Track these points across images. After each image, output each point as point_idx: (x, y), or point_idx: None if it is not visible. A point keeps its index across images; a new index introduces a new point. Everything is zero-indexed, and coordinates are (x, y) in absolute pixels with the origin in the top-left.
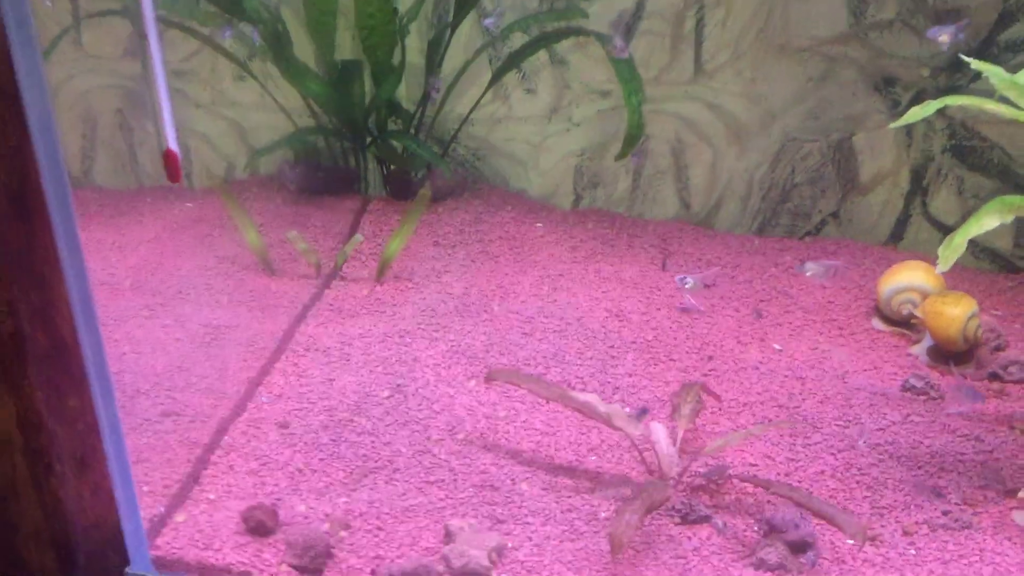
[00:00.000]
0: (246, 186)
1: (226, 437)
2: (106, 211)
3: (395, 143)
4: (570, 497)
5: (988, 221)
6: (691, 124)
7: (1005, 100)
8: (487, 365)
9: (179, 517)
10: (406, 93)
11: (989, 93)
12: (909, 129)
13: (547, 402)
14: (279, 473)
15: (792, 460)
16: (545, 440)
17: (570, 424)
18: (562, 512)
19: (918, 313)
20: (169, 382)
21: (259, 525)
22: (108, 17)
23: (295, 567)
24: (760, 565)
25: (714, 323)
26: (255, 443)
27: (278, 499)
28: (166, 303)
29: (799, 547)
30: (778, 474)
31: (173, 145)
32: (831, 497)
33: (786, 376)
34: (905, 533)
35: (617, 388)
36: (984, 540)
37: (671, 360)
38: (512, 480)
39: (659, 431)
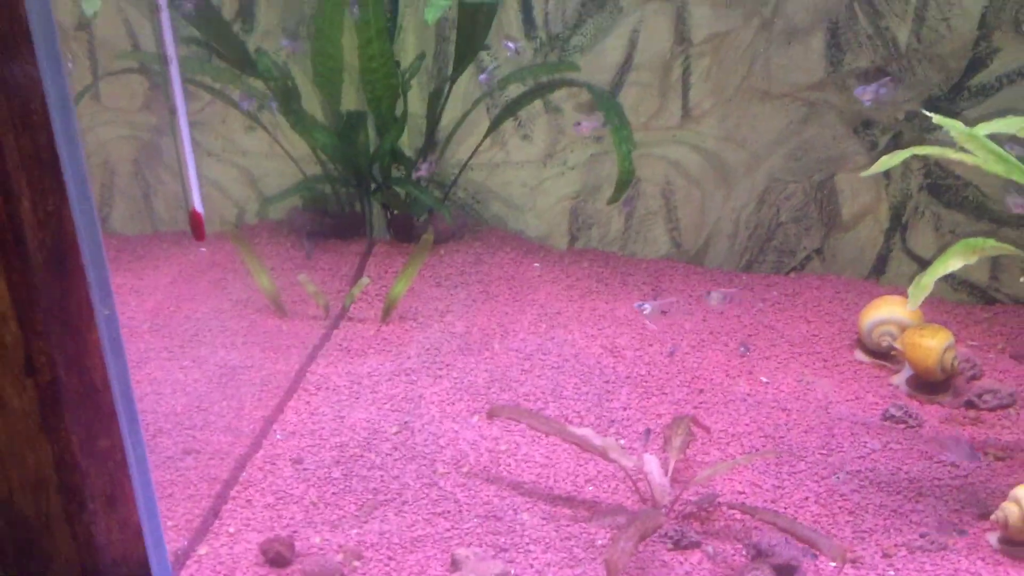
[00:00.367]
0: (257, 231)
1: (244, 473)
2: (124, 257)
3: (398, 190)
4: (569, 526)
5: (953, 262)
6: (680, 167)
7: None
8: (489, 401)
9: (201, 550)
10: (408, 141)
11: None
12: (887, 169)
13: (546, 436)
14: (294, 507)
15: (778, 487)
16: (545, 472)
17: (568, 456)
18: (561, 540)
19: (897, 345)
20: (189, 421)
21: (277, 556)
22: (126, 73)
23: None
24: None
25: (704, 357)
26: (271, 478)
27: (294, 531)
28: (184, 345)
29: (785, 570)
30: (765, 501)
31: (198, 206)
32: (815, 522)
33: (772, 407)
34: (885, 555)
35: (613, 421)
36: (959, 561)
37: (663, 394)
38: (514, 510)
39: (652, 462)
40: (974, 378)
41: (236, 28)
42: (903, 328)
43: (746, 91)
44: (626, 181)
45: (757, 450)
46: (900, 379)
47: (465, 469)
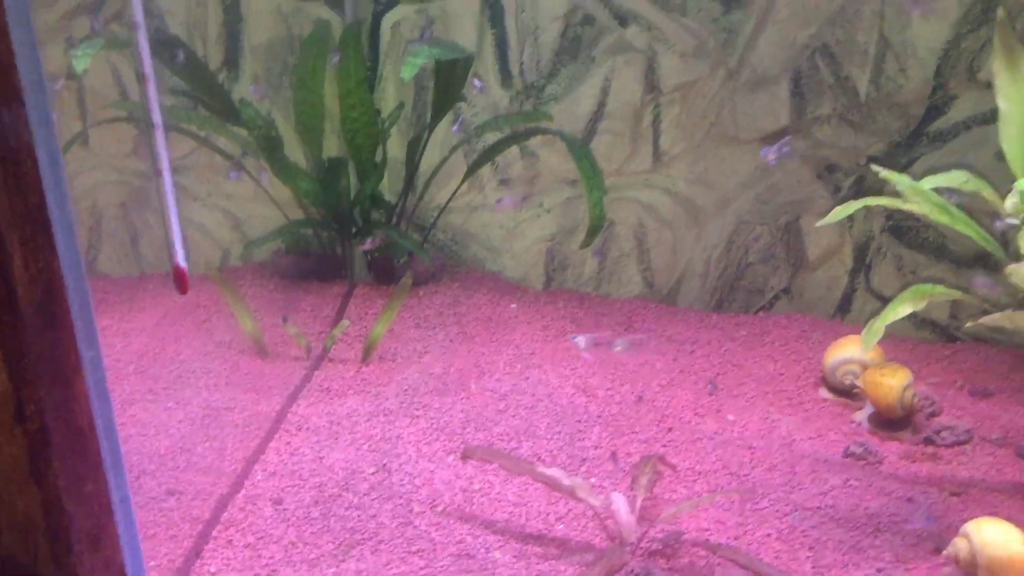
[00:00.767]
0: (240, 273)
1: (225, 513)
2: (111, 299)
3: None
4: (539, 563)
5: (903, 308)
6: (652, 210)
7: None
8: (465, 441)
9: None
10: (388, 185)
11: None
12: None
13: (518, 476)
14: (274, 546)
15: (741, 524)
16: (517, 511)
17: (540, 495)
18: None
19: (859, 383)
20: (172, 462)
21: None
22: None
23: None
24: None
25: (673, 396)
26: (252, 518)
27: (273, 570)
28: (168, 387)
29: None
30: (728, 538)
31: (182, 261)
32: (776, 558)
33: (738, 445)
34: None
35: (584, 460)
36: None
37: (634, 432)
38: (486, 549)
39: (619, 501)
40: (933, 415)
41: (222, 77)
42: (865, 367)
43: (715, 137)
44: (597, 227)
45: (722, 488)
46: (862, 416)
47: (440, 508)
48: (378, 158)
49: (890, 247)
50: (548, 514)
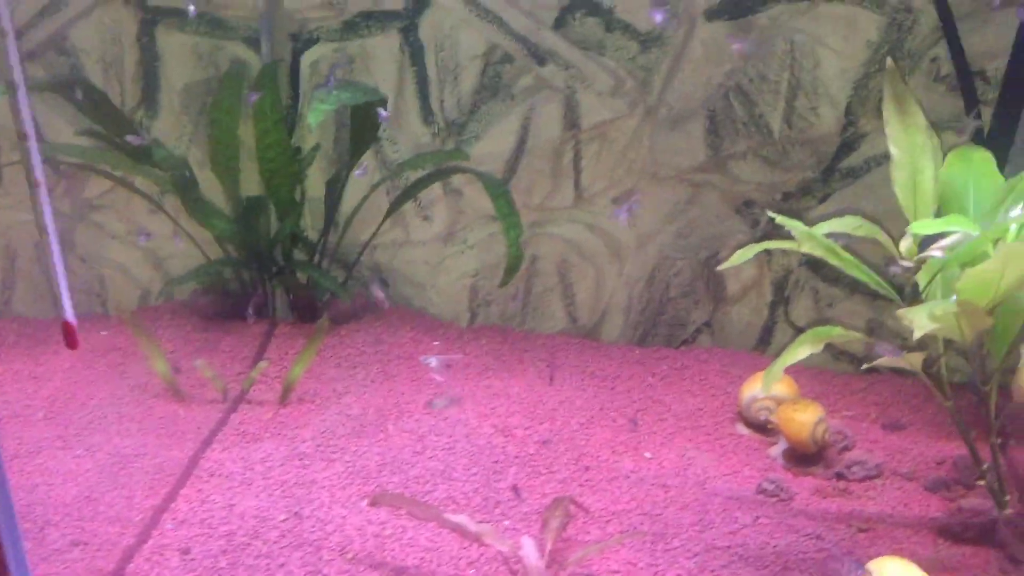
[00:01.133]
0: (160, 313)
1: (131, 564)
2: (24, 341)
3: (299, 273)
4: None
5: (802, 351)
6: (575, 245)
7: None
8: (380, 485)
9: None
10: (312, 223)
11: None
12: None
13: (427, 522)
14: None
15: (652, 565)
16: (428, 556)
17: (452, 540)
18: None
19: (773, 419)
20: (78, 512)
21: None
22: None
23: None
24: None
25: (592, 434)
26: (158, 570)
27: None
28: (79, 433)
29: None
30: None
31: (70, 317)
32: None
33: (653, 484)
34: None
35: (499, 503)
36: None
37: (551, 472)
38: None
39: (528, 545)
40: (846, 449)
41: (140, 115)
42: (779, 402)
43: (635, 173)
44: (515, 266)
45: (635, 528)
46: (777, 451)
47: (350, 555)
48: (298, 196)
49: (808, 280)
50: (460, 559)
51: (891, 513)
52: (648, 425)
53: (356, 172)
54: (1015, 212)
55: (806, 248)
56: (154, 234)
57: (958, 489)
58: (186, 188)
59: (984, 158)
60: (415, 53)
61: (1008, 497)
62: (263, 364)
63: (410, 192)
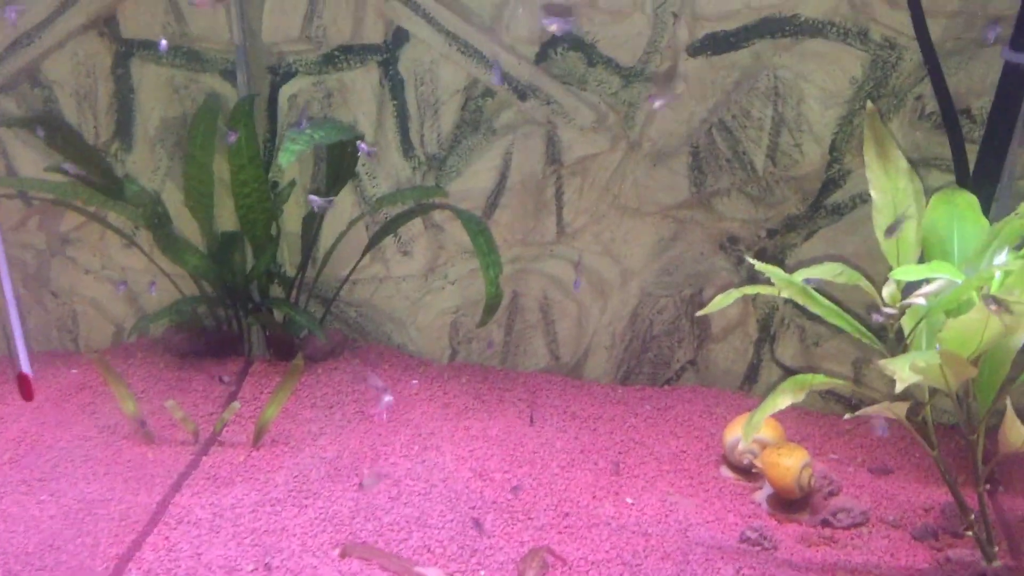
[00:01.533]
0: (132, 350)
1: None
2: None
3: (275, 310)
4: None
5: (782, 400)
6: (557, 281)
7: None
8: (352, 532)
9: None
10: (289, 259)
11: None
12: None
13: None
14: None
15: None
16: None
17: None
18: None
19: (757, 463)
20: (40, 561)
21: None
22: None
23: None
24: None
25: (572, 478)
26: None
27: None
28: (44, 477)
29: None
30: None
31: (26, 368)
32: None
33: (634, 532)
34: None
35: (475, 551)
36: None
37: (529, 519)
38: None
39: None
40: (832, 494)
41: (114, 148)
42: (764, 446)
43: (618, 209)
44: (494, 305)
45: None
46: (762, 496)
47: None
48: (274, 232)
49: (794, 318)
50: None
51: (877, 563)
52: (630, 468)
53: (314, 204)
54: (1000, 259)
55: (786, 295)
56: (129, 282)
57: (946, 538)
58: (158, 224)
59: (968, 201)
60: (395, 87)
61: (996, 548)
62: (235, 406)
63: (389, 228)
